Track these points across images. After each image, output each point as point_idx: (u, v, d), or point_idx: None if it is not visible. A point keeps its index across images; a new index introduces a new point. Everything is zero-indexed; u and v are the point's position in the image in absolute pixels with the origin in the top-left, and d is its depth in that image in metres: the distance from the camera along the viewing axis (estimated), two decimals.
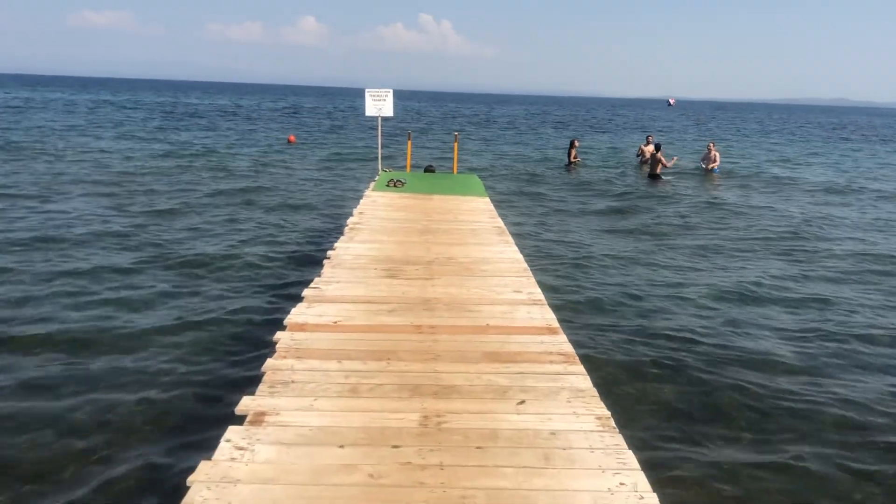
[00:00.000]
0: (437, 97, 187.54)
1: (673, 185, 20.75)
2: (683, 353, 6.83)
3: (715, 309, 8.41)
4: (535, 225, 13.25)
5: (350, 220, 9.37)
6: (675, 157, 26.05)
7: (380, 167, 15.25)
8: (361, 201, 11.01)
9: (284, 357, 4.65)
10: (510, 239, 8.61)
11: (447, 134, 38.78)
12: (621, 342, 7.02)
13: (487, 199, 11.88)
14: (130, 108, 56.56)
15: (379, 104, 14.93)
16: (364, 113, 15.19)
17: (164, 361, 6.28)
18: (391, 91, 14.97)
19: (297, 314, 5.49)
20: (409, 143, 16.14)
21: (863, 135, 57.93)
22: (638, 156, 27.01)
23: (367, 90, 15.01)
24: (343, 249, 7.72)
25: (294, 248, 10.82)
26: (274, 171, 19.89)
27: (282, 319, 5.45)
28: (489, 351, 4.83)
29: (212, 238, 11.40)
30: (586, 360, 5.07)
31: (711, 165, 25.38)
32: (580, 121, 69.28)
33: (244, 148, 27.77)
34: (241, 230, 11.91)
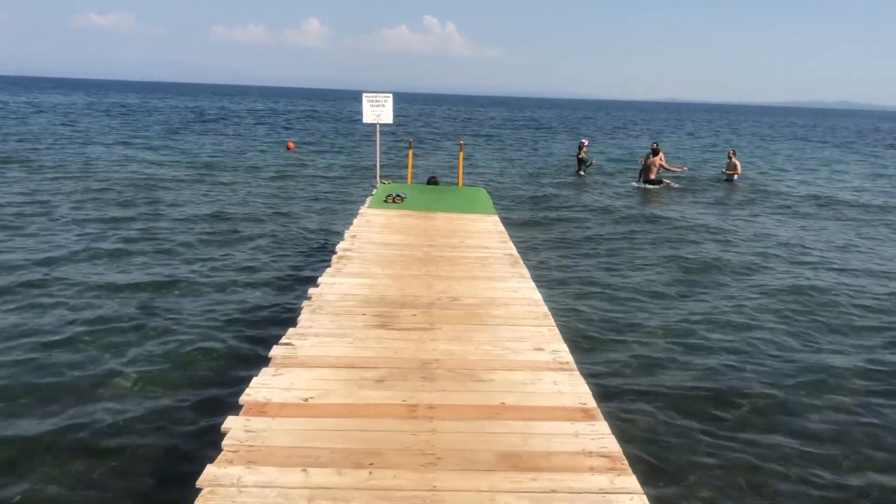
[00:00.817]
0: (441, 100, 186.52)
1: (674, 192, 19.57)
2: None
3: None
4: (551, 248, 12.02)
5: (340, 246, 8.16)
6: (684, 167, 24.92)
7: (378, 179, 14.06)
8: (355, 221, 9.81)
9: (230, 462, 3.44)
10: (525, 271, 7.39)
11: (451, 140, 37.60)
12: (688, 434, 5.71)
13: (496, 218, 10.67)
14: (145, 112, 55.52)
15: (377, 110, 13.73)
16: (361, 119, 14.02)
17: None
18: (391, 95, 13.78)
19: (258, 387, 4.29)
20: (411, 152, 14.93)
21: None
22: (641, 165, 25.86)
23: (364, 94, 13.82)
24: (327, 286, 6.52)
25: (271, 280, 9.63)
26: (264, 182, 18.67)
27: (237, 395, 4.25)
28: (506, 451, 3.62)
29: (174, 263, 10.23)
30: (641, 465, 3.87)
31: (732, 175, 24.24)
32: (588, 125, 68.13)
33: (240, 155, 26.64)
34: (212, 257, 10.72)
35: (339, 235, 9.22)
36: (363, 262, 7.51)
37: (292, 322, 5.59)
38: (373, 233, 9.08)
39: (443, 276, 7.03)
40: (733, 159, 24.64)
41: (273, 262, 10.71)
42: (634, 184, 21.90)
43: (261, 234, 12.51)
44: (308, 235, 12.71)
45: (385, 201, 11.46)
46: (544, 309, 6.04)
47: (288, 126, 47.14)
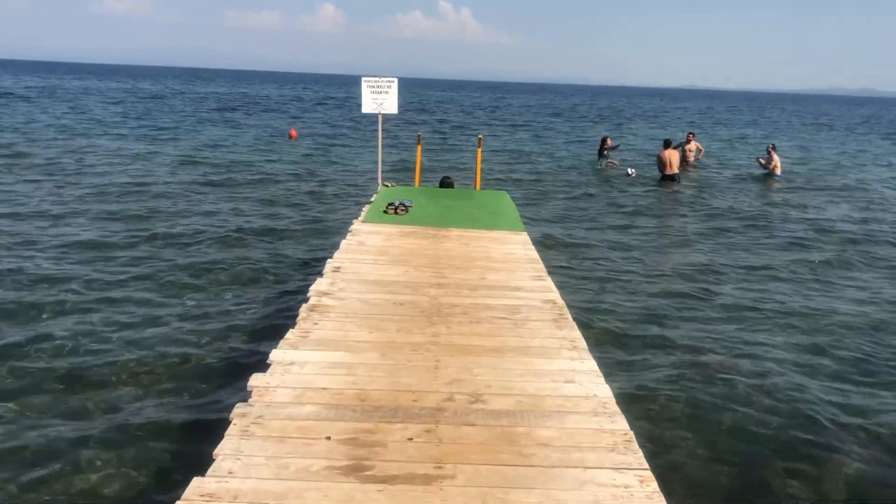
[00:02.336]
0: (456, 86, 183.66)
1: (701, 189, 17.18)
2: None
3: None
4: (601, 288, 9.56)
5: (315, 288, 5.87)
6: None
7: (379, 181, 11.76)
8: (343, 243, 7.51)
9: None
10: (580, 341, 4.99)
11: (466, 131, 35.18)
12: None
13: (525, 237, 8.37)
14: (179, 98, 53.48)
15: (379, 98, 11.42)
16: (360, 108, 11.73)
17: None
18: (395, 81, 11.46)
19: None
20: (419, 148, 12.55)
21: None
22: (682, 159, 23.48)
23: (364, 79, 11.51)
24: (281, 373, 4.22)
25: (208, 356, 6.52)
26: (250, 184, 16.19)
27: None
28: None
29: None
30: None
31: (772, 168, 21.93)
32: (613, 112, 65.52)
33: (235, 147, 24.43)
34: (137, 317, 7.50)
35: (322, 264, 6.94)
36: (342, 318, 5.22)
37: (202, 464, 3.32)
38: (363, 263, 6.78)
39: (457, 348, 4.73)
40: (773, 154, 22.30)
41: (215, 326, 7.30)
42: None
43: (219, 265, 9.55)
44: (281, 269, 9.60)
45: (385, 212, 9.18)
46: (624, 428, 3.71)
47: (297, 115, 44.90)
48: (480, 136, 12.66)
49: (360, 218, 8.93)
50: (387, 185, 11.32)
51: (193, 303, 8.07)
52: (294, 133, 28.81)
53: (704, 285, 9.62)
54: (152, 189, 15.06)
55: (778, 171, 21.90)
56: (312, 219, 12.70)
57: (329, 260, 6.77)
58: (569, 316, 5.49)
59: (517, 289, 6.18)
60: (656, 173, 20.10)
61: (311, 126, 35.13)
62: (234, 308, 7.88)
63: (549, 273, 6.87)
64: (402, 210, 9.22)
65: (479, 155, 12.35)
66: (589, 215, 14.42)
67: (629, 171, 20.35)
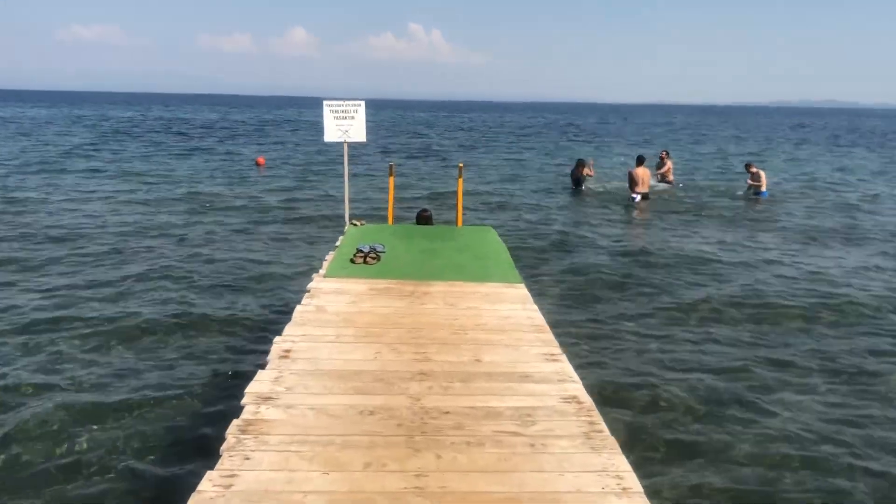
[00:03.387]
0: (431, 106, 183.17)
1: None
2: None
3: None
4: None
5: (252, 392, 4.28)
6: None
7: (346, 219, 10.24)
8: (298, 311, 5.92)
9: None
10: (629, 476, 3.49)
11: (440, 154, 33.78)
12: None
13: (523, 290, 6.86)
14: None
15: (344, 124, 9.92)
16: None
17: None
18: (362, 104, 9.99)
19: None
20: (392, 180, 10.98)
21: None
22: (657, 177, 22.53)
23: (325, 103, 10.01)
24: None
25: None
26: (198, 227, 14.49)
27: None
28: None
29: None
30: None
31: (759, 186, 21.00)
32: (592, 130, 64.67)
33: (183, 177, 22.78)
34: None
35: (264, 347, 5.41)
36: (286, 446, 3.63)
37: None
38: (322, 341, 5.21)
39: (456, 501, 3.20)
40: (753, 170, 21.39)
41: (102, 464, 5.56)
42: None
43: (122, 356, 7.63)
44: (208, 365, 7.43)
45: (352, 261, 7.63)
46: None
47: (269, 140, 43.28)
48: (461, 164, 11.14)
49: (321, 271, 7.37)
50: (355, 224, 9.77)
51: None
52: (262, 161, 27.27)
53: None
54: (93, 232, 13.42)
55: (762, 189, 20.91)
56: (265, 271, 10.99)
57: (277, 339, 5.20)
58: (603, 425, 3.97)
59: (525, 377, 4.65)
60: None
61: (283, 152, 33.55)
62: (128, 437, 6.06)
63: (562, 344, 5.37)
64: (373, 259, 7.68)
65: (461, 187, 10.84)
66: (579, 251, 13.01)
67: (633, 196, 18.99)
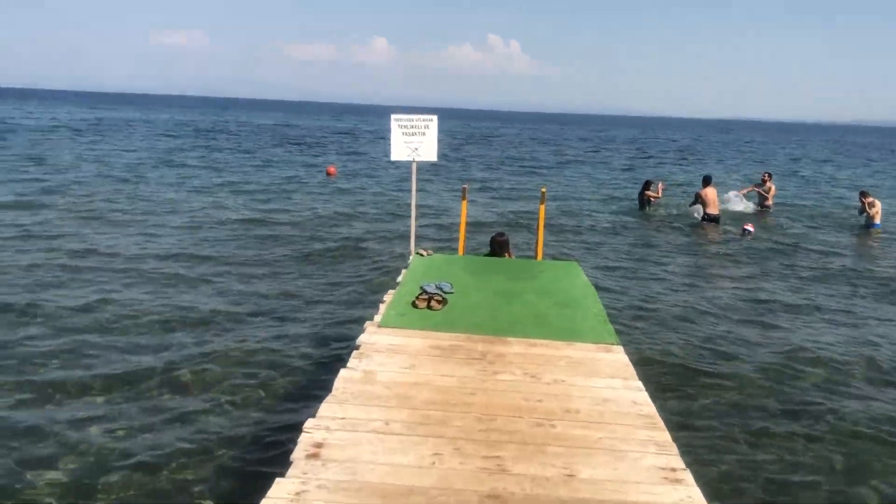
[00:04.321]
0: (506, 117, 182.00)
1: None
2: None
3: None
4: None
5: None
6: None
7: (412, 247, 9.07)
8: (340, 380, 4.70)
9: None
10: None
11: (518, 170, 32.42)
12: None
13: (621, 356, 5.51)
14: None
15: (413, 141, 8.76)
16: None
17: None
18: (434, 119, 8.82)
19: None
20: (465, 204, 9.73)
21: None
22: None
23: (393, 117, 8.88)
24: None
25: None
26: (252, 243, 13.60)
27: None
28: None
29: None
30: None
31: (872, 214, 18.92)
32: (668, 148, 62.32)
33: (260, 188, 22.13)
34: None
35: (296, 422, 4.25)
36: None
37: None
38: (365, 432, 3.98)
39: None
40: (868, 199, 19.26)
41: None
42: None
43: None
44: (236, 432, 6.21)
45: (415, 304, 6.43)
46: None
47: (342, 149, 42.87)
48: (544, 188, 9.81)
49: (377, 317, 6.18)
50: (421, 254, 8.58)
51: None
52: (332, 170, 26.57)
53: None
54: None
55: (876, 220, 18.82)
56: (316, 307, 9.58)
57: (308, 424, 4.00)
58: None
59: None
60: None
61: (357, 162, 32.83)
62: None
63: (680, 446, 4.02)
64: (439, 302, 6.46)
65: (542, 215, 9.51)
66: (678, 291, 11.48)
67: (747, 227, 17.19)
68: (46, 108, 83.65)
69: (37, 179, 20.90)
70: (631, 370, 5.20)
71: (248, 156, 33.56)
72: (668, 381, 7.58)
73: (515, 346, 5.56)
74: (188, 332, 8.32)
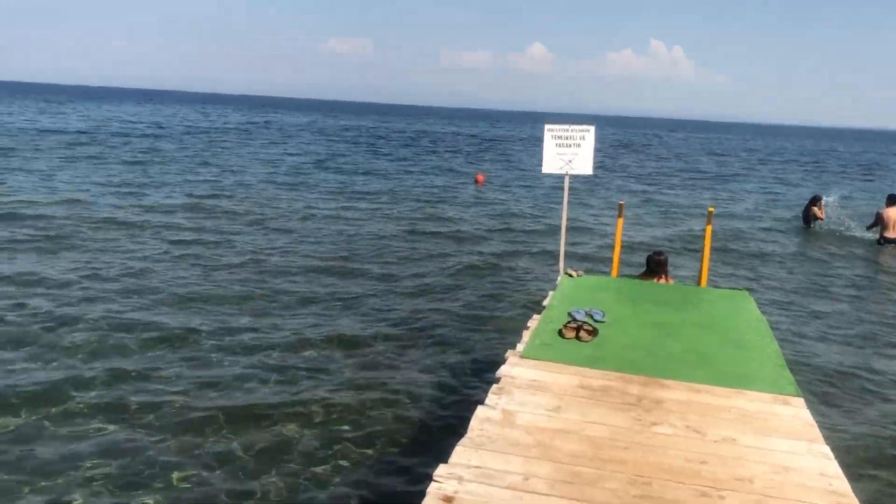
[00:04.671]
0: (668, 125, 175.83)
1: None
2: None
3: None
4: None
5: None
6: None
7: (561, 267, 8.53)
8: (476, 418, 4.28)
9: None
10: None
11: (679, 183, 30.82)
12: None
13: (803, 410, 4.71)
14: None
15: (567, 153, 8.22)
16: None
17: None
18: (591, 130, 8.25)
19: None
20: (620, 223, 9.07)
21: None
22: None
23: (546, 127, 8.39)
24: None
25: None
26: (394, 245, 13.54)
27: None
28: None
29: None
30: None
31: None
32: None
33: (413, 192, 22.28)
34: None
35: (426, 461, 3.86)
36: None
37: None
38: (500, 487, 3.52)
39: None
40: None
41: None
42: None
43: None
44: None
45: (561, 334, 5.90)
46: None
47: (493, 156, 42.81)
48: (711, 208, 8.94)
49: (520, 344, 5.72)
50: (570, 275, 8.03)
51: None
52: (481, 178, 26.40)
53: None
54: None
55: None
56: (454, 335, 8.86)
57: (439, 471, 3.60)
58: None
59: None
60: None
61: (508, 171, 32.53)
62: None
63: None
64: (589, 333, 5.90)
65: (709, 235, 8.67)
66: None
67: (881, 241, 15.27)
68: (221, 111, 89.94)
69: (207, 181, 22.16)
70: (816, 431, 4.42)
71: (403, 163, 34.12)
72: (859, 453, 6.45)
73: (675, 391, 4.92)
74: (315, 353, 8.08)
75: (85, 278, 10.36)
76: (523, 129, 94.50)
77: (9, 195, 17.21)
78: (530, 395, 4.69)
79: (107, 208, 16.22)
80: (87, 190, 18.94)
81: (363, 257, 12.70)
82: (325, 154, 35.83)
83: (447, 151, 44.31)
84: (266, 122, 70.26)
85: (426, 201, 20.56)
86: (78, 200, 16.96)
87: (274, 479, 5.47)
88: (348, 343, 8.30)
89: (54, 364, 7.32)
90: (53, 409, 6.33)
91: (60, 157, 26.56)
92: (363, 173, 27.54)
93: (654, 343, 5.89)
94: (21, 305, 8.93)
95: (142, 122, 55.29)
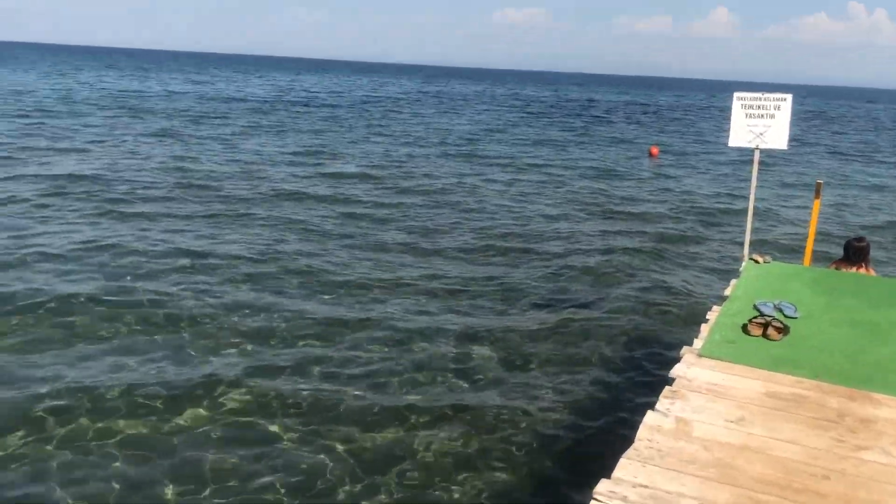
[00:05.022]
0: (869, 95, 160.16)
1: None
2: None
3: None
4: None
5: None
6: None
7: (746, 252, 7.70)
8: (645, 426, 3.78)
9: None
10: None
11: (880, 161, 27.73)
12: None
13: None
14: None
15: (758, 125, 7.34)
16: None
17: None
18: (788, 99, 7.30)
19: None
20: (817, 203, 8.00)
21: None
22: None
23: (736, 95, 7.53)
24: None
25: None
26: (560, 223, 12.89)
27: None
28: None
29: None
30: None
31: None
32: None
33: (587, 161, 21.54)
34: None
35: (587, 472, 3.45)
36: None
37: None
38: (672, 502, 3.09)
39: None
40: None
41: None
42: None
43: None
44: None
45: (745, 329, 5.23)
46: None
47: (668, 126, 40.77)
48: None
49: (697, 340, 5.12)
50: (756, 260, 7.20)
51: None
52: (655, 151, 25.14)
53: None
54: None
55: None
56: (622, 326, 8.24)
57: (598, 492, 3.20)
58: None
59: None
60: None
61: (686, 143, 30.79)
62: None
63: None
64: (778, 331, 5.18)
65: None
66: None
67: None
68: (395, 81, 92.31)
69: (380, 151, 22.65)
70: None
71: (575, 133, 33.29)
72: None
73: (886, 409, 4.16)
74: (469, 347, 7.61)
75: (256, 255, 10.47)
76: (703, 98, 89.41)
77: (194, 164, 18.37)
78: (709, 402, 4.13)
79: (283, 178, 16.86)
80: (267, 158, 19.86)
81: (529, 237, 12.28)
82: (495, 124, 35.68)
83: (622, 121, 42.79)
84: (438, 91, 71.24)
85: (596, 177, 19.79)
86: (256, 170, 17.76)
87: (390, 483, 5.23)
88: (503, 334, 7.81)
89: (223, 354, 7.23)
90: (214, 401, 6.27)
91: (245, 125, 28.19)
92: (534, 144, 27.07)
93: (858, 346, 5.08)
94: (194, 283, 9.09)
95: (322, 92, 57.73)
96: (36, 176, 15.18)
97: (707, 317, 5.67)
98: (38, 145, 19.68)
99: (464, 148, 24.62)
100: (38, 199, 13.10)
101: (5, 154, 17.81)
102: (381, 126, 31.24)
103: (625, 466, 3.39)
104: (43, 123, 25.04)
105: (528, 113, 45.96)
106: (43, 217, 11.89)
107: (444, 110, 44.70)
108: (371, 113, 38.21)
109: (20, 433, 5.46)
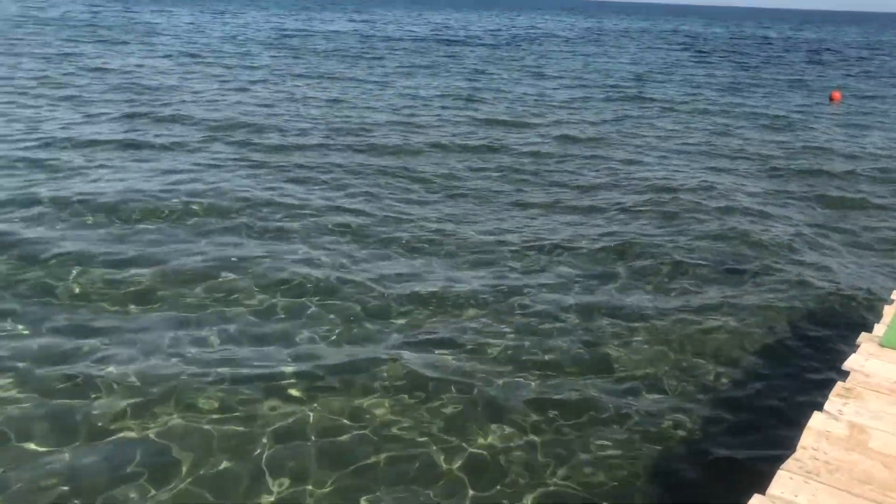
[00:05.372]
0: None
1: None
2: None
3: None
4: None
5: None
6: None
7: None
8: (811, 428, 3.36)
9: None
10: None
11: None
12: None
13: None
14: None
15: None
16: None
17: None
18: None
19: None
20: None
21: None
22: None
23: None
24: None
25: None
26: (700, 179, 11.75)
27: None
28: None
29: None
30: None
31: None
32: None
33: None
34: None
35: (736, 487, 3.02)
36: None
37: None
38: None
39: None
40: None
41: None
42: None
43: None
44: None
45: None
46: None
47: (857, 68, 37.00)
48: None
49: (878, 325, 4.49)
50: None
51: None
52: (837, 96, 22.90)
53: None
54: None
55: None
56: (775, 308, 6.91)
57: (756, 498, 2.81)
58: None
59: None
60: None
61: (876, 85, 27.77)
62: None
63: None
64: None
65: None
66: None
67: None
68: (554, 17, 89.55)
69: (533, 94, 22.01)
70: None
71: (745, 74, 30.93)
72: None
73: None
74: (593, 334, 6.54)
75: (398, 214, 9.80)
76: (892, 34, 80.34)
77: (348, 107, 18.59)
78: (892, 405, 3.58)
79: (436, 124, 16.50)
80: (422, 101, 19.73)
81: (685, 195, 11.03)
82: (661, 64, 33.75)
83: (802, 62, 39.20)
84: (587, 28, 68.46)
85: (769, 125, 18.18)
86: (403, 116, 17.40)
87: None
88: (652, 312, 6.83)
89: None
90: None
91: (398, 65, 28.28)
92: (701, 86, 25.36)
93: None
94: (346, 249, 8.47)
95: (476, 29, 56.89)
96: (203, 120, 15.53)
97: (892, 297, 4.98)
98: (209, 87, 20.50)
99: (626, 90, 23.42)
100: (199, 144, 13.32)
101: (176, 97, 18.47)
102: (538, 65, 30.39)
103: (783, 480, 2.99)
104: (219, 62, 26.08)
105: (700, 52, 43.14)
106: (210, 164, 11.90)
107: (607, 48, 42.88)
108: (529, 50, 37.30)
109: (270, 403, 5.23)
